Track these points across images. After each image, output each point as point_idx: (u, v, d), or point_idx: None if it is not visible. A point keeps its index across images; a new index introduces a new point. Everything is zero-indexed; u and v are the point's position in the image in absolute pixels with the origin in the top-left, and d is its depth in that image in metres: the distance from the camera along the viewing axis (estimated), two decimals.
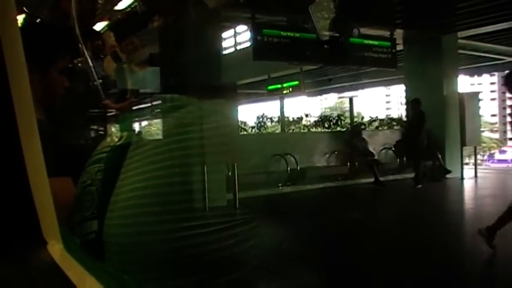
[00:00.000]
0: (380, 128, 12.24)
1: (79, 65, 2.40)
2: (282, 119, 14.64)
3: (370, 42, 8.46)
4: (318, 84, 15.46)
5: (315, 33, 7.60)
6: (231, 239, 0.52)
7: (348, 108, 18.35)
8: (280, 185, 7.33)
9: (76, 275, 0.54)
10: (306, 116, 16.47)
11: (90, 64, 2.45)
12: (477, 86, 44.98)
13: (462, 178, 8.69)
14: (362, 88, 18.55)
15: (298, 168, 7.51)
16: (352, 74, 14.38)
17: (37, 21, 2.27)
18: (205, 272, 0.51)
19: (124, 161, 0.60)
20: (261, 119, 15.75)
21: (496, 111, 57.17)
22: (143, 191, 0.55)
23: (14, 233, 0.59)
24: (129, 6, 8.35)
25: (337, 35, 7.89)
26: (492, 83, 57.68)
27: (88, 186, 0.65)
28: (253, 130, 15.02)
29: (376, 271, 3.07)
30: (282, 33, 7.46)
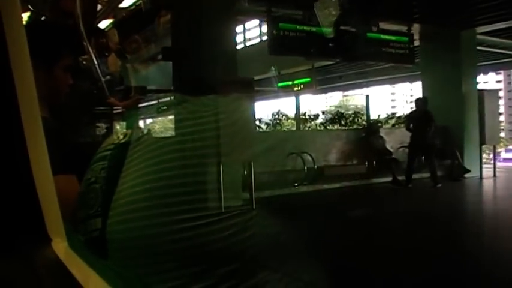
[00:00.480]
0: (397, 126, 12.16)
1: (84, 62, 2.44)
2: (298, 117, 14.62)
3: (388, 37, 8.42)
4: (323, 82, 15.49)
5: (331, 27, 7.59)
6: (228, 230, 0.54)
7: (352, 106, 18.38)
8: (296, 184, 7.30)
9: (80, 273, 0.56)
10: (323, 113, 16.48)
11: (95, 62, 2.49)
12: (483, 84, 44.62)
13: (481, 178, 8.59)
14: (367, 86, 18.55)
15: (315, 167, 7.48)
16: (357, 72, 14.36)
17: (42, 19, 2.32)
18: (204, 263, 0.53)
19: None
20: (276, 116, 15.77)
21: (501, 109, 56.43)
22: (142, 186, 0.57)
23: (19, 230, 0.61)
24: (134, 4, 8.44)
25: (354, 30, 7.86)
26: (498, 81, 57.06)
27: (92, 184, 0.67)
28: (269, 127, 15.05)
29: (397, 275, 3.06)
30: (298, 27, 7.42)
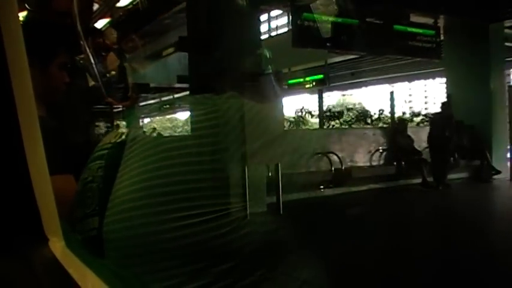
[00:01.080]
0: (421, 125, 12.13)
1: (81, 62, 2.51)
2: (320, 114, 14.57)
3: (414, 30, 8.43)
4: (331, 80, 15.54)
5: (358, 19, 7.60)
6: (224, 228, 0.57)
7: (350, 106, 18.48)
8: (322, 186, 7.27)
9: (77, 272, 0.60)
10: (348, 110, 16.51)
11: (92, 61, 2.56)
12: None
13: (511, 179, 8.49)
14: (366, 86, 18.65)
15: (343, 168, 7.46)
16: (367, 69, 14.44)
17: (37, 17, 2.40)
18: (200, 262, 0.56)
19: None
20: (300, 113, 15.74)
21: None
22: (139, 184, 0.60)
23: (16, 230, 0.66)
24: (131, 3, 8.62)
25: (381, 22, 7.88)
26: None
27: (89, 183, 0.71)
28: (292, 125, 15.05)
29: None
30: (323, 17, 7.40)
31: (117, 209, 0.62)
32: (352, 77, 15.56)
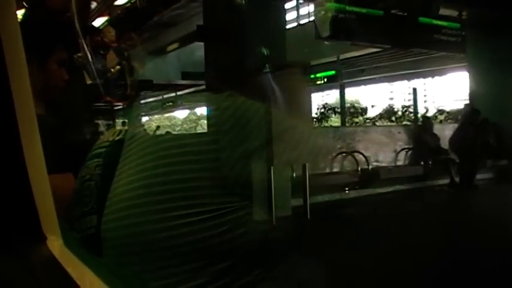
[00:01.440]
0: (443, 123, 12.09)
1: (79, 60, 2.55)
2: (343, 111, 14.52)
3: (440, 23, 8.38)
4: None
5: (382, 9, 7.58)
6: (222, 227, 0.59)
7: (348, 105, 18.53)
8: (347, 188, 7.16)
9: (75, 270, 0.62)
10: (372, 106, 16.46)
11: (90, 59, 2.60)
12: None
13: None
14: (365, 84, 18.68)
15: (370, 168, 7.42)
16: (379, 66, 14.44)
17: (35, 14, 2.43)
18: (198, 260, 0.58)
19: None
20: (322, 110, 15.67)
21: None
22: (137, 183, 0.62)
23: (14, 228, 0.68)
24: (129, 1, 8.74)
25: (405, 14, 7.86)
26: None
27: (87, 181, 0.73)
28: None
29: None
30: (347, 8, 7.33)
31: (115, 208, 0.64)
32: (354, 75, 15.54)
